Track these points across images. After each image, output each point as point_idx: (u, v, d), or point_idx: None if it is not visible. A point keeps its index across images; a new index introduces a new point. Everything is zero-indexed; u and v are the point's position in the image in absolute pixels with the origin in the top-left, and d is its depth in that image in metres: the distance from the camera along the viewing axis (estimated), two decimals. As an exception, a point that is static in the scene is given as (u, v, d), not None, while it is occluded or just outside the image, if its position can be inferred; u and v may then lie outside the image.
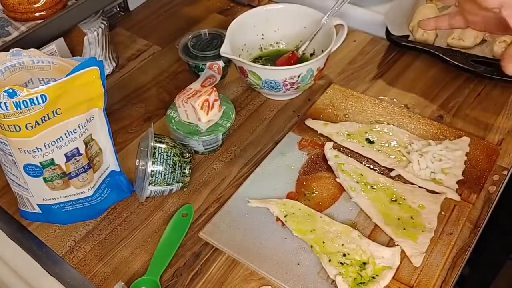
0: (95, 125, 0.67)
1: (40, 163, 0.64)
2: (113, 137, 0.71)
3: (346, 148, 0.79)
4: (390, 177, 0.74)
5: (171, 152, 0.72)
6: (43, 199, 0.68)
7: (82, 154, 0.66)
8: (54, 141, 0.63)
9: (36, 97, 0.58)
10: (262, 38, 0.95)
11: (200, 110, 0.75)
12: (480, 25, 0.72)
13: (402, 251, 0.65)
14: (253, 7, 0.97)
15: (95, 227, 0.72)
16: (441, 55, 0.90)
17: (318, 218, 0.69)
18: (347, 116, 0.84)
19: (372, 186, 0.72)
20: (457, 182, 0.72)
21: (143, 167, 0.71)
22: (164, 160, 0.71)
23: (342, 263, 0.64)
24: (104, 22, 0.91)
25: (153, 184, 0.71)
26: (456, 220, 0.69)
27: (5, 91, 0.57)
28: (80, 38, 0.88)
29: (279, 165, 0.77)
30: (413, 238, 0.66)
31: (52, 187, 0.67)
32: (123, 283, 0.63)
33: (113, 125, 0.73)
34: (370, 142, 0.79)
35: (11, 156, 0.64)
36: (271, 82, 0.82)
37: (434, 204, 0.70)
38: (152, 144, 0.70)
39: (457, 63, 0.89)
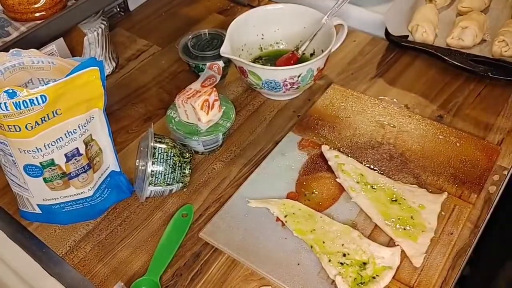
0: (95, 125, 0.67)
1: (40, 163, 0.64)
2: (113, 137, 0.71)
3: (346, 148, 0.79)
4: (390, 177, 0.74)
5: (171, 152, 0.72)
6: (43, 199, 0.68)
7: (82, 154, 0.66)
8: (54, 142, 0.63)
9: (36, 98, 0.58)
10: (262, 38, 0.95)
11: (200, 110, 0.75)
12: None
13: (402, 251, 0.65)
14: (253, 7, 0.97)
15: (95, 227, 0.72)
16: (440, 55, 0.90)
17: (318, 218, 0.69)
18: (347, 116, 0.84)
19: (372, 186, 0.72)
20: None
21: (143, 167, 0.71)
22: (164, 160, 0.71)
23: (342, 263, 0.64)
24: (104, 22, 0.91)
25: (153, 184, 0.71)
26: (457, 220, 0.69)
27: (5, 92, 0.57)
28: (80, 38, 0.88)
29: (279, 165, 0.77)
30: (413, 238, 0.66)
31: (52, 187, 0.67)
32: (122, 284, 0.63)
33: (113, 125, 0.73)
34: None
35: (11, 156, 0.64)
36: (271, 82, 0.82)
37: (434, 204, 0.70)
38: (152, 144, 0.70)
39: (456, 63, 0.89)
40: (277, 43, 0.96)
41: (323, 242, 0.66)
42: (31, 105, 0.58)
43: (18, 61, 0.64)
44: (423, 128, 0.81)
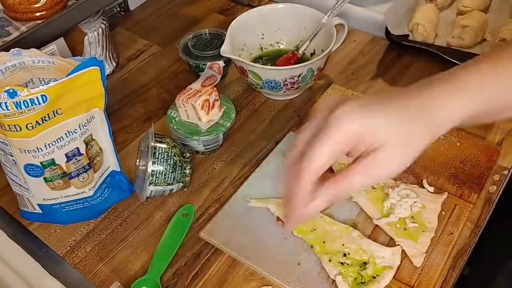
0: (95, 125, 0.67)
1: (41, 163, 0.64)
2: (113, 137, 0.71)
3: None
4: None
5: (171, 152, 0.72)
6: (44, 199, 0.68)
7: (83, 154, 0.66)
8: (54, 141, 0.63)
9: (37, 97, 0.58)
10: (263, 38, 0.95)
11: (200, 110, 0.75)
12: None
13: (403, 251, 0.65)
14: (253, 7, 0.97)
15: (95, 227, 0.72)
16: (441, 54, 0.90)
17: (319, 218, 0.69)
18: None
19: (372, 186, 0.72)
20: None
21: (143, 167, 0.71)
22: (165, 160, 0.71)
23: (342, 263, 0.64)
24: (105, 22, 0.91)
25: (153, 184, 0.71)
26: (457, 219, 0.69)
27: (5, 91, 0.57)
28: (81, 38, 0.88)
29: (280, 165, 0.77)
30: (414, 238, 0.66)
31: (52, 187, 0.67)
32: (119, 283, 0.63)
33: (114, 125, 0.73)
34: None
35: (12, 156, 0.64)
36: (271, 82, 0.82)
37: (434, 203, 0.70)
38: (152, 144, 0.70)
39: (457, 62, 0.88)
40: (277, 43, 0.96)
41: (324, 242, 0.66)
42: (32, 105, 0.58)
43: (18, 60, 0.64)
44: (423, 128, 0.80)
